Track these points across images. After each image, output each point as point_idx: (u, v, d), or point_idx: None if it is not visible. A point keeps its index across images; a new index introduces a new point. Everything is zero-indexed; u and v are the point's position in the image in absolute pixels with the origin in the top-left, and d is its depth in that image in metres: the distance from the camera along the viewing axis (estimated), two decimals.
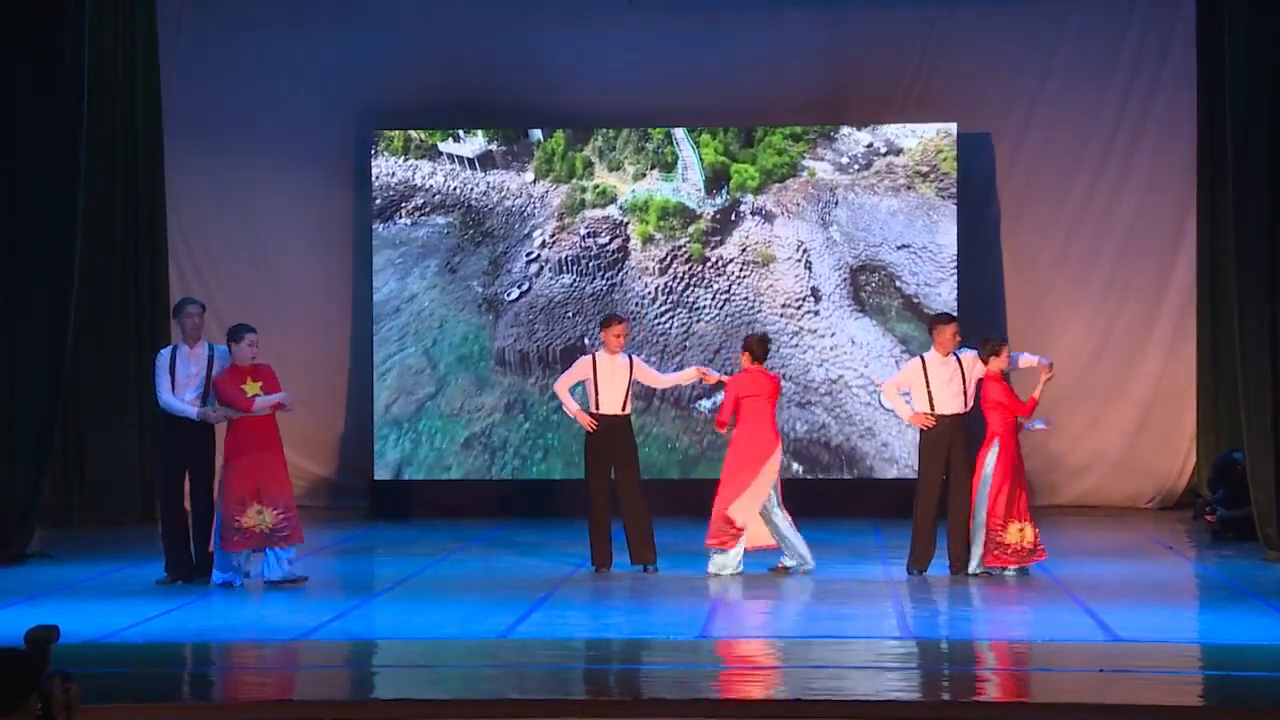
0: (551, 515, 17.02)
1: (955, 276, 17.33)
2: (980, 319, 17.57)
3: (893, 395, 13.58)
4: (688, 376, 14.41)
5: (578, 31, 18.11)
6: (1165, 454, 17.88)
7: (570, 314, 17.54)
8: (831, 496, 17.26)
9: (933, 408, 13.29)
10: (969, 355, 13.45)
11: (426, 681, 9.79)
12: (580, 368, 13.83)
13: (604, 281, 17.54)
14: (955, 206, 17.35)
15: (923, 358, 13.47)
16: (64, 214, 14.43)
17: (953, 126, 17.47)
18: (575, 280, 17.57)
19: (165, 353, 13.23)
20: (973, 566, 13.13)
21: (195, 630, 11.29)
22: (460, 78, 18.06)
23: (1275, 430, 13.93)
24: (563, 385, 13.91)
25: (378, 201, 17.73)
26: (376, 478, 17.73)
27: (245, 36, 18.19)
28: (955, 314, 13.98)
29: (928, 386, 13.31)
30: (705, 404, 17.33)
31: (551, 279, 17.60)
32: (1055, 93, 17.90)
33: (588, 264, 17.57)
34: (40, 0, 14.41)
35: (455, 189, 17.77)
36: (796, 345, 17.41)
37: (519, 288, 17.61)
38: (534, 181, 17.66)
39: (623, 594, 12.74)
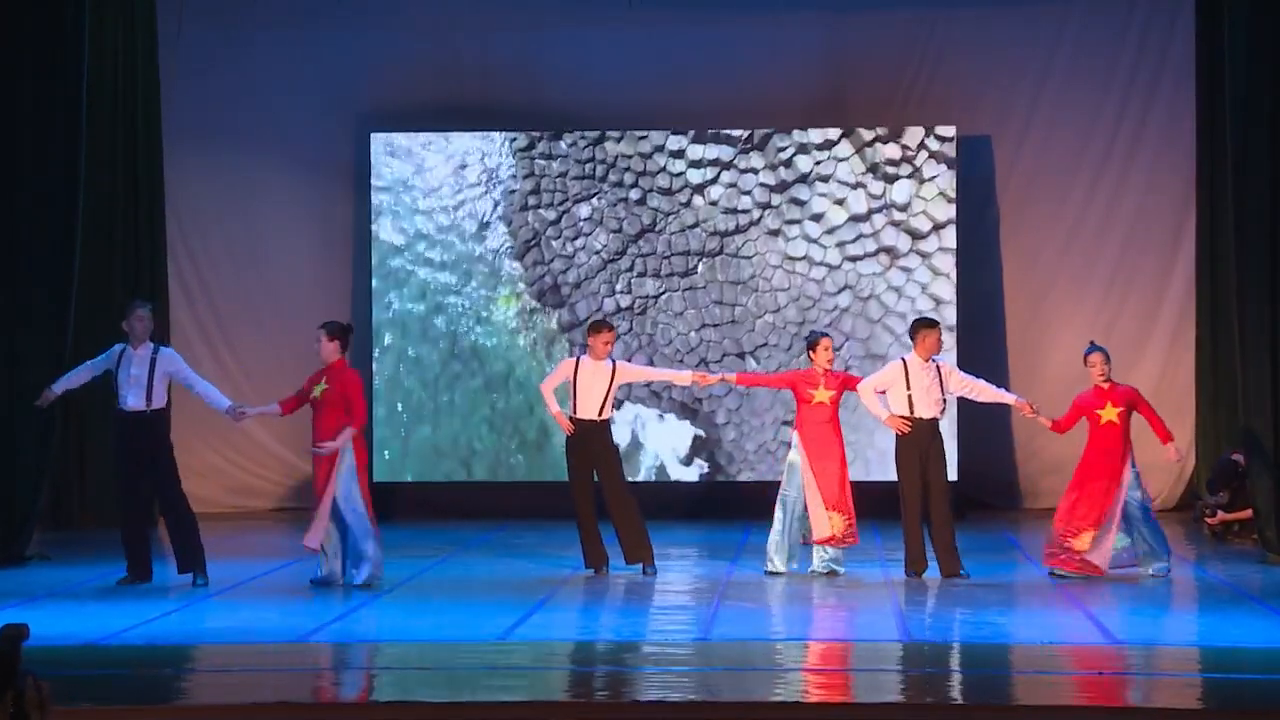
0: (550, 517, 17.00)
1: (954, 279, 17.35)
2: (980, 321, 17.60)
3: (869, 396, 13.46)
4: (681, 378, 14.36)
5: (577, 33, 18.10)
6: (1165, 456, 17.81)
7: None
8: None
9: (911, 411, 13.29)
10: (946, 364, 13.48)
11: (425, 684, 9.78)
12: (562, 369, 13.84)
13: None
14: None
15: (904, 360, 13.43)
16: (64, 215, 14.43)
17: (952, 129, 17.47)
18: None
19: (116, 349, 13.16)
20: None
21: (195, 633, 11.30)
22: (459, 80, 18.06)
23: (1275, 432, 13.93)
24: (547, 386, 13.91)
25: (391, 174, 17.76)
26: (376, 479, 17.71)
27: (245, 38, 18.18)
28: (937, 320, 13.92)
29: (908, 389, 13.30)
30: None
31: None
32: (1055, 95, 17.90)
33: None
34: (41, 1, 14.41)
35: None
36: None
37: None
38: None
39: (621, 597, 12.74)
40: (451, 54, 18.10)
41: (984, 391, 13.67)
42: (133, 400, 13.02)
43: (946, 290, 17.33)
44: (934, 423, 13.34)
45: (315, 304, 18.24)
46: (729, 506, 17.21)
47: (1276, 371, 13.99)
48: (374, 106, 18.10)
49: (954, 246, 17.38)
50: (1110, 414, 13.34)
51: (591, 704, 9.09)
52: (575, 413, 13.64)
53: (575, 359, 13.82)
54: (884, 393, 13.45)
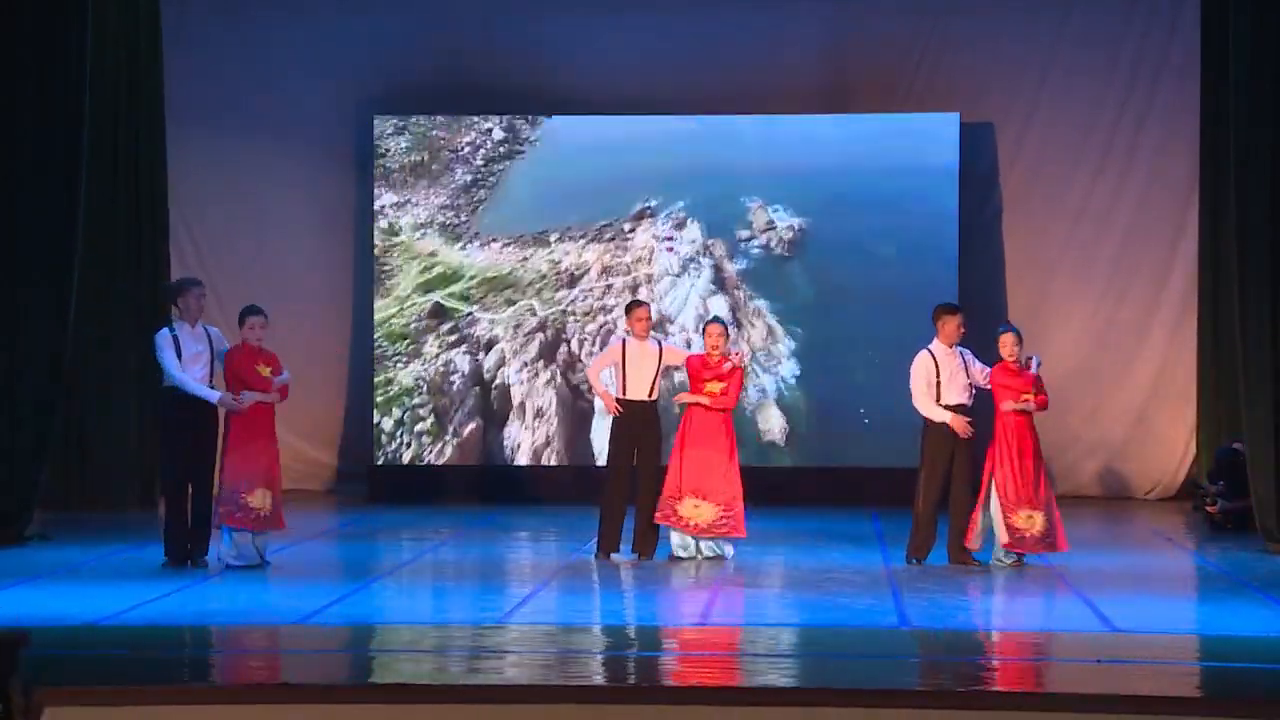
0: (552, 501, 17.04)
1: (956, 267, 17.35)
2: (982, 309, 17.57)
3: (925, 402, 13.27)
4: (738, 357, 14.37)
5: (580, 17, 18.10)
6: (1165, 445, 17.88)
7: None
8: (829, 485, 17.28)
9: (939, 399, 13.23)
10: (969, 353, 13.39)
11: (424, 666, 9.79)
12: (611, 352, 13.73)
13: None
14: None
15: (930, 351, 13.38)
16: (66, 195, 14.42)
17: (955, 116, 17.46)
18: None
19: (166, 332, 13.09)
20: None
21: (195, 613, 11.30)
22: (463, 63, 18.06)
23: (1275, 421, 13.92)
24: (595, 369, 13.86)
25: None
26: (378, 462, 17.74)
27: (248, 20, 18.19)
28: (958, 305, 13.89)
29: (937, 377, 13.24)
30: None
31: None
32: (1059, 83, 17.90)
33: None
34: None
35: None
36: None
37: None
38: None
39: (623, 581, 12.75)
40: (455, 37, 18.11)
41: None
42: (197, 375, 12.96)
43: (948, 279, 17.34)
44: (960, 409, 13.23)
45: (317, 286, 18.29)
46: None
47: (1277, 361, 13.98)
48: (377, 90, 18.10)
49: (955, 235, 17.38)
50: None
51: (590, 687, 9.09)
52: (625, 394, 13.58)
53: (622, 341, 13.76)
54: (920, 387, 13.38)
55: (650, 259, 17.62)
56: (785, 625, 11.09)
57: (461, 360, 17.75)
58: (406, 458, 17.71)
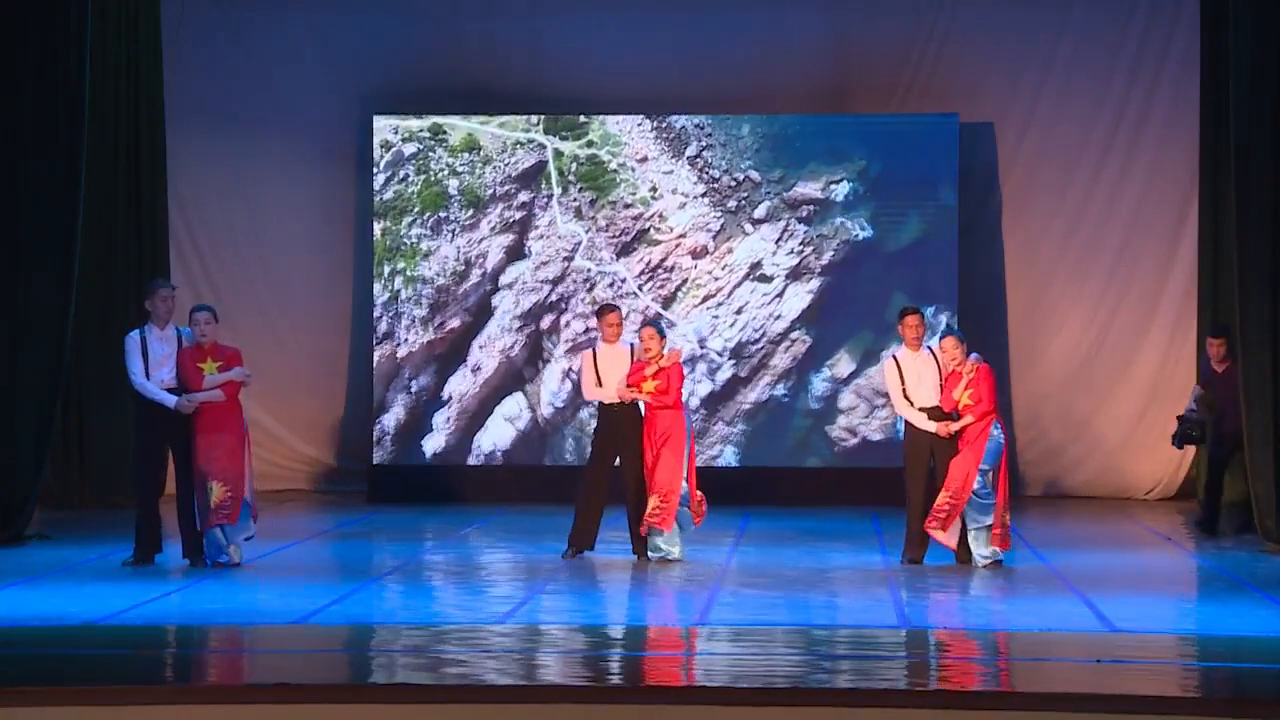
0: (550, 501, 17.02)
1: (956, 267, 17.35)
2: (982, 309, 17.60)
3: (904, 408, 13.29)
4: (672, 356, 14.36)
5: (580, 17, 18.11)
6: (1165, 445, 17.79)
7: None
8: (830, 485, 17.28)
9: (911, 405, 13.20)
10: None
11: (423, 667, 9.79)
12: (586, 364, 13.69)
13: None
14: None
15: (894, 356, 13.38)
16: (66, 196, 14.43)
17: (955, 116, 17.46)
18: None
19: (135, 334, 13.06)
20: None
21: (194, 613, 11.31)
22: (463, 62, 18.07)
23: (1275, 421, 13.92)
24: (589, 389, 13.71)
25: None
26: (376, 462, 17.72)
27: (248, 19, 18.19)
28: (915, 306, 13.82)
29: (902, 383, 13.22)
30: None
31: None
32: (1059, 83, 17.90)
33: None
34: None
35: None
36: None
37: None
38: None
39: (621, 581, 12.75)
40: (455, 37, 18.12)
41: None
42: (167, 379, 12.94)
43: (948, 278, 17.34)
44: (936, 410, 13.22)
45: (316, 288, 18.28)
46: (725, 492, 17.19)
47: (1277, 360, 13.98)
48: (377, 89, 18.09)
49: (955, 235, 17.38)
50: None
51: (587, 688, 9.09)
52: (603, 399, 13.58)
53: (592, 350, 13.72)
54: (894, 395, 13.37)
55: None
56: (784, 625, 11.09)
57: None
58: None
